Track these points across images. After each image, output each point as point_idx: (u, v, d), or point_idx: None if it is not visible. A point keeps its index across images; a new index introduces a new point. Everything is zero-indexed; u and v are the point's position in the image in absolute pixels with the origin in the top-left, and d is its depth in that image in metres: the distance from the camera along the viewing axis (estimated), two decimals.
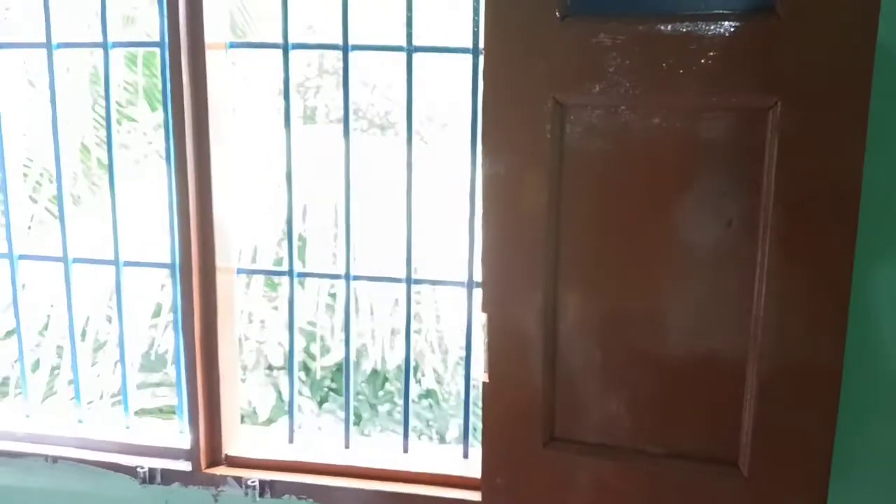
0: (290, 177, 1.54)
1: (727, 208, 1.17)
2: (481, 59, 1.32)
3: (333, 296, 3.73)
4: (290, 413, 1.69)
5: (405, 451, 1.64)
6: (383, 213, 3.37)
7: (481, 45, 1.42)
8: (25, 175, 5.17)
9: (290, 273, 1.59)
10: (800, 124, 1.11)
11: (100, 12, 1.54)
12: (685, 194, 1.20)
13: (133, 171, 4.49)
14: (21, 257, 1.71)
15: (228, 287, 1.62)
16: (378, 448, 1.68)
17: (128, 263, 1.66)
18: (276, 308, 3.75)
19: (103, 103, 1.60)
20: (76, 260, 1.68)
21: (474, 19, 1.47)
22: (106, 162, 1.62)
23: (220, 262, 1.57)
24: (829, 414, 1.18)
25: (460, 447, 1.63)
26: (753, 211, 1.15)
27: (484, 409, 1.31)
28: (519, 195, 1.26)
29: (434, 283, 1.61)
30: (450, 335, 3.76)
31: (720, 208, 1.17)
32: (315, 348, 3.92)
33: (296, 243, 1.60)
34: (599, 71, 1.18)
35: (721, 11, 1.12)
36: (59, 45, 1.60)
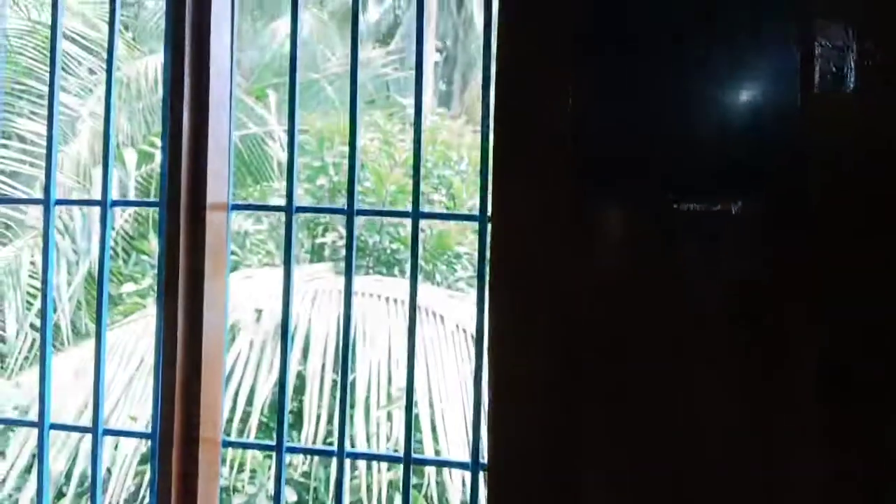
0: (286, 362, 1.46)
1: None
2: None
3: (331, 442, 3.55)
4: None
5: None
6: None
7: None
8: (30, 304, 5.16)
9: (278, 447, 1.47)
10: None
11: (102, 172, 1.52)
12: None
13: (139, 306, 4.45)
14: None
15: (211, 461, 1.49)
16: None
17: (108, 432, 1.55)
18: (269, 457, 3.56)
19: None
20: (54, 426, 1.57)
21: (481, 184, 1.43)
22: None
23: (204, 433, 1.45)
24: None
25: None
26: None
27: None
28: (528, 371, 1.18)
29: (437, 462, 1.48)
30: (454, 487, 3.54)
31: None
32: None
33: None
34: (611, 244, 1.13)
35: None
36: (59, 202, 1.57)
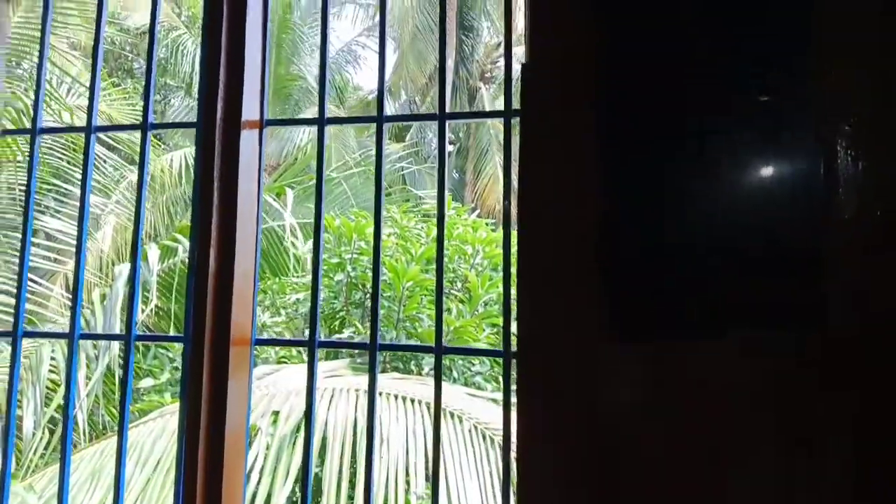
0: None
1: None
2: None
3: None
4: None
5: None
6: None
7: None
8: (49, 400, 5.17)
9: None
10: None
11: (127, 310, 1.55)
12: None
13: (157, 405, 4.45)
14: None
15: None
16: None
17: None
18: None
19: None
20: None
21: (504, 322, 1.45)
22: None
23: None
24: None
25: None
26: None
27: None
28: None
29: None
30: None
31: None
32: None
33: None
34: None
35: None
36: (83, 336, 1.60)
